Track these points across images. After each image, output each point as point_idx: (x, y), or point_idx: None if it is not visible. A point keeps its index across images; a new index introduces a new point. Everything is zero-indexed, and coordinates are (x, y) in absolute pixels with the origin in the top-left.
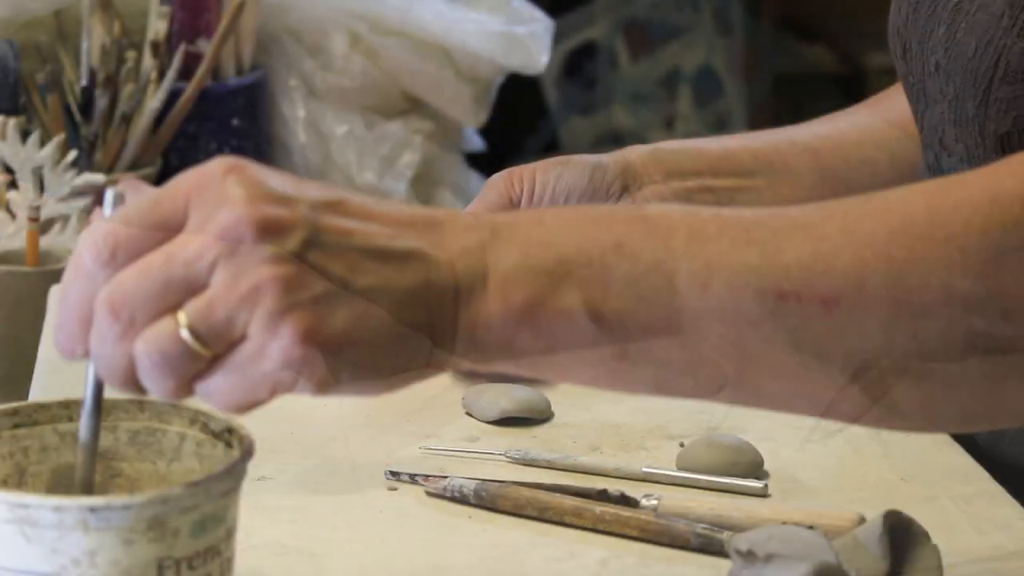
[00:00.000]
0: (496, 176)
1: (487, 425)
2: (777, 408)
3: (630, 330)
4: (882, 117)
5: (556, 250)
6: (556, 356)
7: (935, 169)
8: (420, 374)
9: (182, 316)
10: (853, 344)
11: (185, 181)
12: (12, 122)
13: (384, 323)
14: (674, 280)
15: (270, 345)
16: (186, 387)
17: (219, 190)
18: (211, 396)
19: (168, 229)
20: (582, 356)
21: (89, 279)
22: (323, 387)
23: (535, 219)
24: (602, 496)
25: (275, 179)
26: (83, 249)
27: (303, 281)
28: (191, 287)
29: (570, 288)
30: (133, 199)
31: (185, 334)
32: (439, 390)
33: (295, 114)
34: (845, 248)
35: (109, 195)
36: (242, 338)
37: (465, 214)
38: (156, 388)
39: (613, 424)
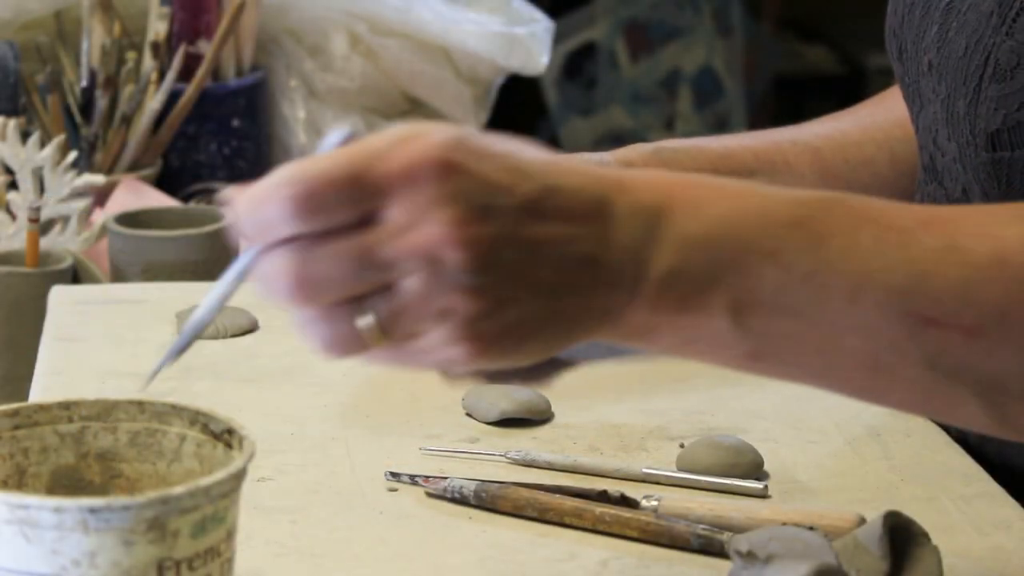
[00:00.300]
0: None
1: (487, 426)
2: (895, 408)
3: (770, 336)
4: (884, 116)
5: (712, 254)
6: (691, 348)
7: (930, 170)
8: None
9: (368, 316)
10: (988, 369)
11: (395, 163)
12: (12, 123)
13: (548, 339)
14: (823, 294)
15: (441, 351)
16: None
17: (432, 195)
18: (365, 359)
19: (364, 205)
20: (717, 352)
21: (273, 220)
22: (474, 379)
23: (695, 204)
24: (602, 497)
25: (487, 171)
26: (280, 186)
27: (491, 312)
28: (380, 284)
29: (719, 294)
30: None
31: (366, 327)
32: (439, 392)
33: (295, 115)
34: (994, 281)
35: (340, 132)
36: (415, 335)
37: (632, 188)
38: (313, 346)
39: (613, 425)
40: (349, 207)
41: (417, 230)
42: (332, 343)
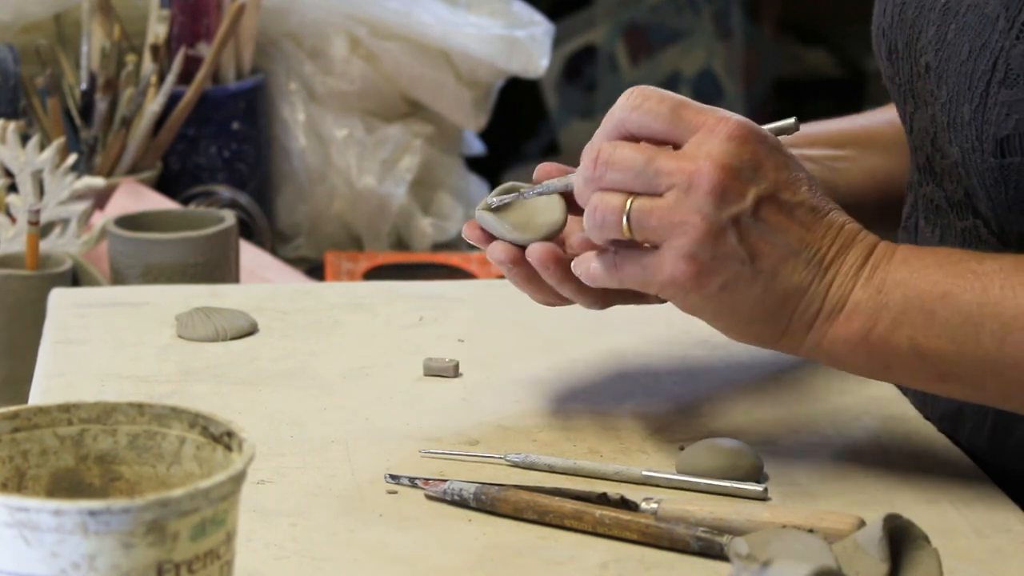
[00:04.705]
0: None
1: (487, 429)
2: None
3: (946, 363)
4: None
5: (902, 291)
6: (887, 373)
7: (926, 171)
8: (766, 346)
9: (629, 203)
10: None
11: (711, 115)
12: (12, 126)
13: (752, 302)
14: (979, 333)
15: (667, 268)
16: (603, 242)
17: (720, 144)
18: (611, 266)
19: (674, 128)
20: (908, 375)
21: (617, 106)
22: (688, 311)
23: (906, 257)
24: (602, 500)
25: (771, 161)
26: (634, 90)
27: (717, 243)
28: (649, 188)
29: (901, 325)
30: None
31: (623, 217)
32: (439, 395)
33: (295, 118)
34: None
35: (788, 123)
36: (655, 247)
37: (856, 251)
38: (587, 228)
39: (613, 428)
40: (663, 123)
41: (693, 159)
42: (596, 215)
